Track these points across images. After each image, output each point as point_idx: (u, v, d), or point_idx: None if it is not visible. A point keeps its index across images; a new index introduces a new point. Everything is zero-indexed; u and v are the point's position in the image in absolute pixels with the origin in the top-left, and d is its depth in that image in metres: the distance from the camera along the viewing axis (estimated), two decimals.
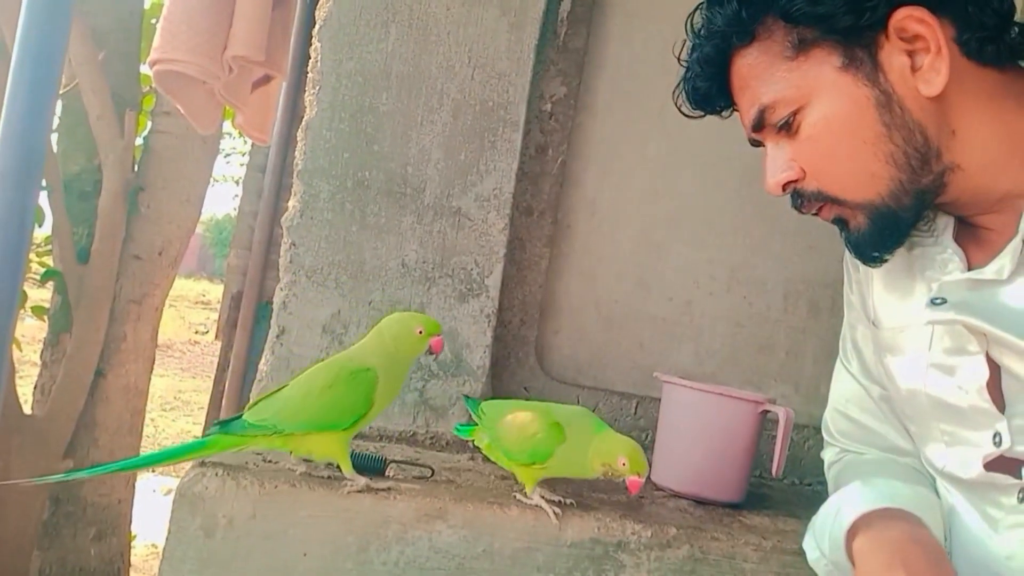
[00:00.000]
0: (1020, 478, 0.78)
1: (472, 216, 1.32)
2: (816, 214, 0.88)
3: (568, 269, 1.55)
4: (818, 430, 1.49)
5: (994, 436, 0.80)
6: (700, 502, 1.16)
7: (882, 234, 0.84)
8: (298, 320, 1.29)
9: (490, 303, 1.33)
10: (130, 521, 2.62)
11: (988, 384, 0.80)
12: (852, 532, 0.83)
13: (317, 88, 1.32)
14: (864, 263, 0.89)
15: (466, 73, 1.32)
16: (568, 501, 1.02)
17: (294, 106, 2.66)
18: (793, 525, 1.07)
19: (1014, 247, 0.78)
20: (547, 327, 1.55)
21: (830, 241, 1.57)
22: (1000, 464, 0.80)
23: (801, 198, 0.87)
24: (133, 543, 2.88)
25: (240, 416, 0.99)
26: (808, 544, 0.93)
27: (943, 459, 0.86)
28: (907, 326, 0.89)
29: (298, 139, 1.33)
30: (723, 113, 0.93)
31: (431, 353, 1.01)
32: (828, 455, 1.07)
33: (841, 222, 0.88)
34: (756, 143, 0.90)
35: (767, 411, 1.17)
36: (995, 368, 0.80)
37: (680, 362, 1.56)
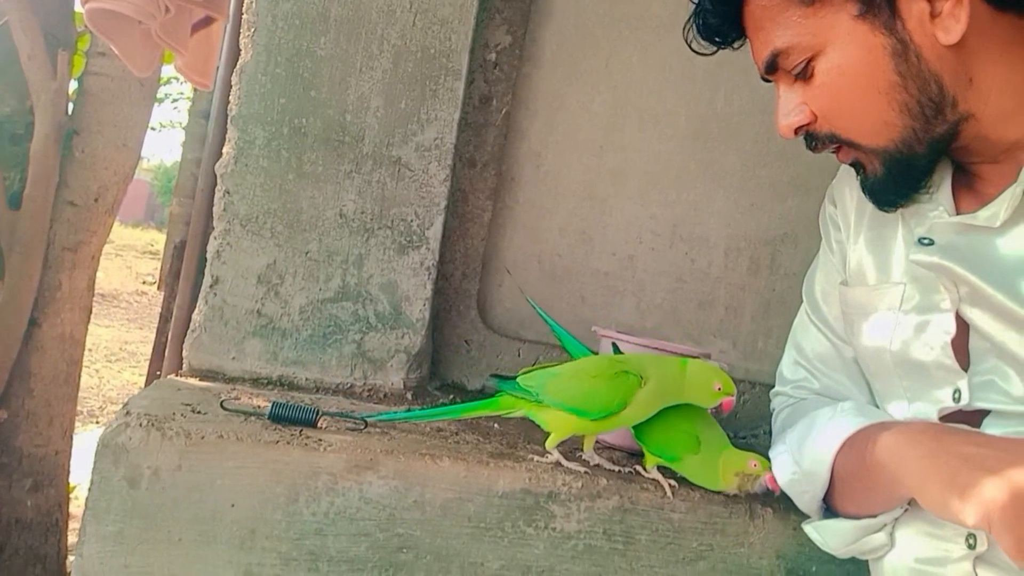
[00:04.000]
0: (979, 428, 0.80)
1: (412, 166, 1.30)
2: (834, 153, 0.88)
3: (511, 222, 1.54)
4: (754, 384, 1.52)
5: (954, 392, 0.82)
6: (634, 454, 1.17)
7: (897, 180, 0.84)
8: (232, 270, 1.26)
9: (430, 255, 1.31)
10: (68, 472, 2.58)
11: (953, 342, 0.82)
12: (859, 439, 0.83)
13: (252, 30, 1.27)
14: (879, 207, 0.89)
15: (407, 19, 1.29)
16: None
17: (238, 50, 2.58)
18: None
19: (1012, 194, 0.78)
20: (489, 280, 1.54)
21: (772, 199, 1.58)
22: (957, 417, 0.82)
23: (815, 140, 0.87)
24: (75, 495, 2.84)
25: (514, 377, 1.04)
26: (782, 464, 0.94)
27: (904, 414, 0.88)
28: (883, 283, 0.90)
29: (232, 83, 1.29)
30: (735, 45, 0.91)
31: (719, 411, 1.01)
32: (777, 403, 1.08)
33: (858, 166, 0.88)
34: (767, 80, 0.90)
35: None
36: (963, 327, 0.81)
37: (621, 317, 1.57)
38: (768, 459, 0.98)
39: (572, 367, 1.04)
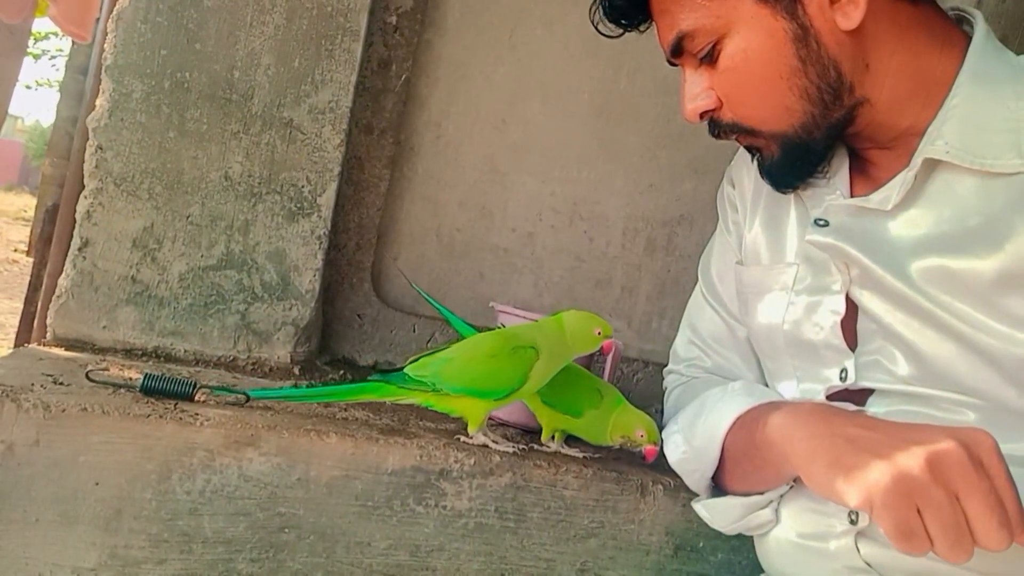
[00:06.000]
0: (864, 406, 0.81)
1: (305, 129, 1.24)
2: (736, 139, 0.89)
3: (409, 193, 1.49)
4: (647, 364, 1.54)
5: (841, 372, 0.83)
6: (527, 431, 1.16)
7: (794, 164, 0.85)
8: (104, 232, 1.17)
9: (322, 224, 1.26)
10: None
11: (843, 323, 0.83)
12: (748, 419, 0.83)
13: None
14: (777, 189, 0.90)
15: None
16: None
17: None
18: (615, 453, 1.09)
19: (903, 179, 0.79)
20: (385, 253, 1.49)
21: (670, 181, 1.59)
22: (843, 396, 0.83)
23: (718, 128, 0.87)
24: None
25: (401, 369, 0.99)
26: (674, 444, 0.94)
27: (793, 393, 0.89)
28: (777, 263, 0.91)
29: (108, 30, 1.19)
30: (641, 28, 0.90)
31: (602, 353, 1.05)
32: (670, 381, 1.09)
33: (754, 150, 0.88)
34: (674, 64, 0.88)
35: None
36: (852, 308, 0.83)
37: (519, 294, 1.55)
38: (656, 427, 1.01)
39: (464, 349, 1.01)
